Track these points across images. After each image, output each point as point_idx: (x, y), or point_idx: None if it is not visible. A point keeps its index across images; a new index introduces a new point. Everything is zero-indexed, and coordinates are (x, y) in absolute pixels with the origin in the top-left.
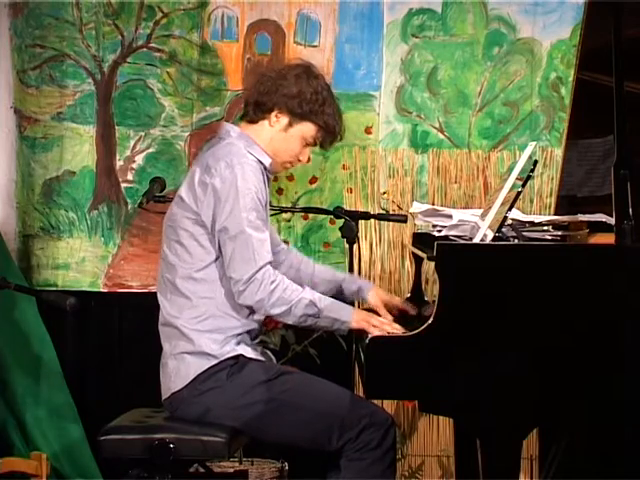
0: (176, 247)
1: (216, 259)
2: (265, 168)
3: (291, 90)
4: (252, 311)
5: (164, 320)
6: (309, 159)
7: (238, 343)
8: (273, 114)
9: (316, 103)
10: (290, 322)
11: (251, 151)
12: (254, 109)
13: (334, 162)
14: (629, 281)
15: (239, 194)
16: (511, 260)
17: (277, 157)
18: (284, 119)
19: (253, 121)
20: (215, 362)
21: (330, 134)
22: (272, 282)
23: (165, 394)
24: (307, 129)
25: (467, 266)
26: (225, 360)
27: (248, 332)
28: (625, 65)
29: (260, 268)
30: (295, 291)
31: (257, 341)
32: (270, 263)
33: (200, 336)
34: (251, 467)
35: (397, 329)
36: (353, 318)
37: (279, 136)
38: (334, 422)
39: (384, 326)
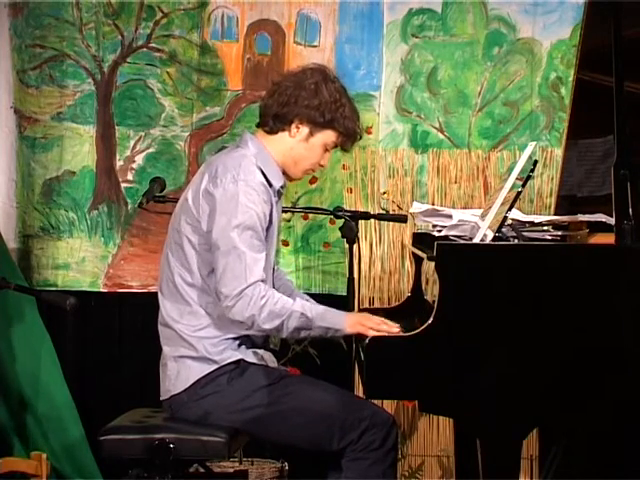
0: (179, 252)
1: (213, 270)
2: (275, 189)
3: (312, 102)
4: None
5: (163, 321)
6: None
7: (238, 347)
8: (293, 125)
9: (337, 111)
10: (283, 336)
11: (264, 169)
12: (273, 120)
13: (334, 162)
14: (629, 281)
15: (238, 210)
16: (511, 260)
17: (299, 165)
18: (305, 129)
19: (272, 132)
20: (216, 367)
21: (351, 137)
22: (262, 297)
23: (164, 395)
24: (328, 136)
25: (467, 266)
26: (226, 365)
27: (249, 337)
28: (625, 65)
29: (250, 284)
30: (286, 304)
31: (265, 348)
32: (262, 281)
33: (200, 342)
34: (251, 467)
35: (394, 327)
36: (347, 324)
37: (300, 146)
38: (335, 424)
39: (381, 326)
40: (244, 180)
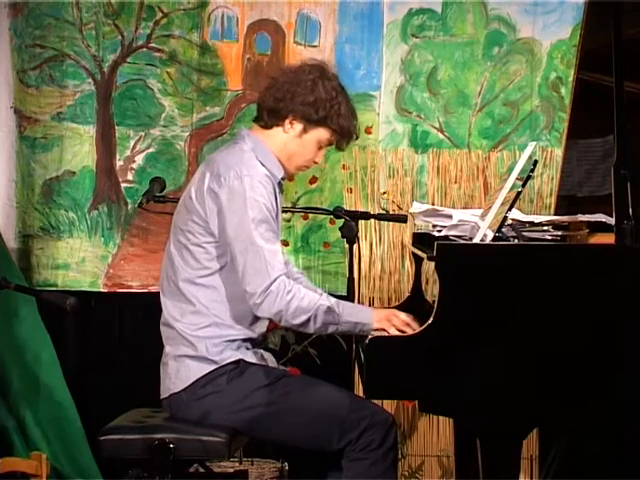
0: (182, 250)
1: (221, 268)
2: (277, 181)
3: (307, 98)
4: (255, 321)
5: (165, 320)
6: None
7: (238, 348)
8: (287, 121)
9: (332, 109)
10: (311, 331)
11: (264, 162)
12: (268, 115)
13: (334, 162)
14: (629, 281)
15: (247, 206)
16: (511, 260)
17: (292, 161)
18: (298, 125)
19: (267, 127)
20: (215, 367)
21: (345, 136)
22: (288, 292)
23: (164, 394)
24: (321, 134)
25: (467, 266)
26: (225, 365)
27: (249, 339)
28: (625, 65)
29: (274, 280)
30: (312, 299)
31: (261, 347)
32: (284, 274)
33: (200, 341)
34: (251, 467)
35: (415, 328)
36: (374, 319)
37: (294, 142)
38: (335, 424)
39: (403, 326)
40: (248, 175)
